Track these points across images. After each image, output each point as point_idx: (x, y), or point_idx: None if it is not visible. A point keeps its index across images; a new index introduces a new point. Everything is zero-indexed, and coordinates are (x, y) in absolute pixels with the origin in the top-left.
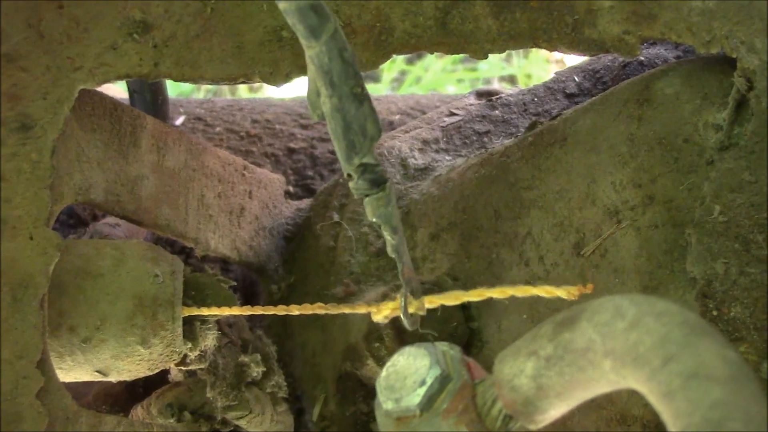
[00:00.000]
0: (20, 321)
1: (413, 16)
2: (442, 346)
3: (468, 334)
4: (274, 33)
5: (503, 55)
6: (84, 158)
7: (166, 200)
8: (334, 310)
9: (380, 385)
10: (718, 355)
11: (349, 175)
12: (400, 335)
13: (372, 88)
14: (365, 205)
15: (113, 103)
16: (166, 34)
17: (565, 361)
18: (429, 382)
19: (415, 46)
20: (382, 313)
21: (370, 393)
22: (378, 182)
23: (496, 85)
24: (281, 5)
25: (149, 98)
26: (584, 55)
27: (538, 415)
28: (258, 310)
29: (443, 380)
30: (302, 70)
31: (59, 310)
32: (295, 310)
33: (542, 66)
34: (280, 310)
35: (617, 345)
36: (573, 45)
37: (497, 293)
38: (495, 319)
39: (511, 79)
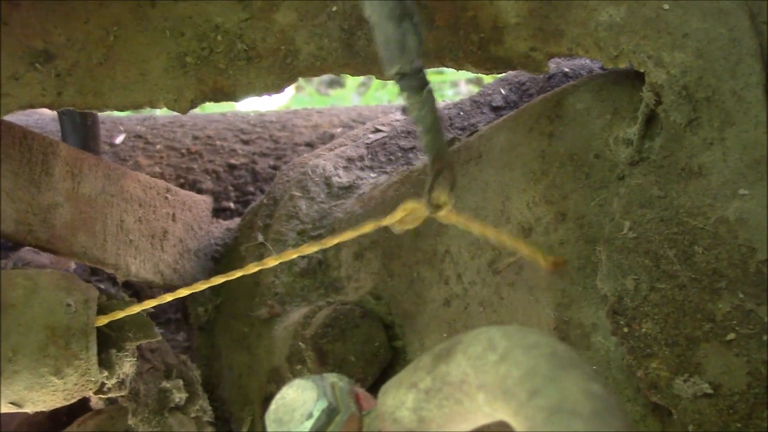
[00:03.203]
0: None
1: (318, 38)
2: (331, 377)
3: (392, 353)
4: (177, 59)
5: None
6: None
7: (83, 227)
8: (329, 242)
9: (269, 418)
10: (582, 390)
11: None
12: (321, 357)
13: (337, 94)
14: (407, 103)
15: (22, 131)
16: (69, 62)
17: (443, 393)
18: (316, 414)
19: (321, 69)
20: (399, 216)
21: None
22: (416, 88)
23: (462, 88)
24: None
25: (78, 119)
26: (492, 74)
27: None
28: (200, 286)
29: (330, 412)
30: (207, 97)
31: None
32: (271, 262)
33: None
34: (250, 269)
35: (488, 378)
36: (480, 63)
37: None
38: (418, 337)
39: (478, 81)
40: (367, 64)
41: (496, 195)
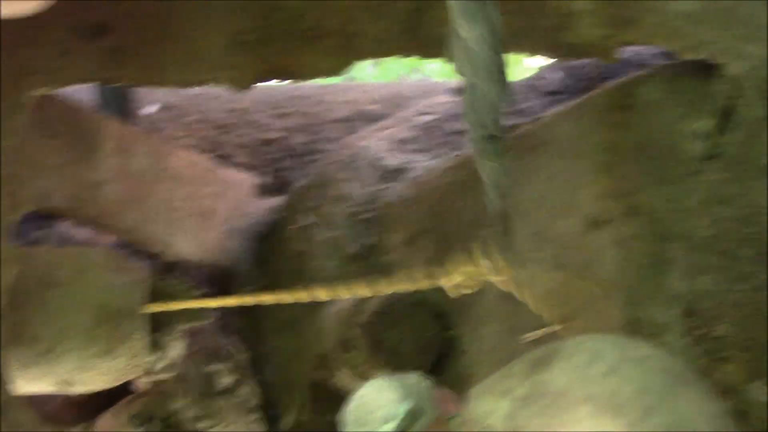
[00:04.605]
0: None
1: (383, 20)
2: (413, 377)
3: (444, 343)
4: (238, 37)
5: None
6: (43, 165)
7: (131, 204)
8: (364, 291)
9: (347, 418)
10: (699, 410)
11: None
12: (373, 345)
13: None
14: (483, 167)
15: (74, 106)
16: (125, 38)
17: (541, 402)
18: (399, 416)
19: (385, 51)
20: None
21: (344, 402)
22: (500, 152)
23: None
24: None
25: (117, 89)
26: (562, 60)
27: None
28: (249, 300)
29: (414, 414)
30: (267, 75)
31: (20, 319)
32: (315, 293)
33: None
34: (285, 298)
35: (595, 391)
36: (549, 49)
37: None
38: (473, 327)
39: None
40: (433, 48)
41: (562, 186)
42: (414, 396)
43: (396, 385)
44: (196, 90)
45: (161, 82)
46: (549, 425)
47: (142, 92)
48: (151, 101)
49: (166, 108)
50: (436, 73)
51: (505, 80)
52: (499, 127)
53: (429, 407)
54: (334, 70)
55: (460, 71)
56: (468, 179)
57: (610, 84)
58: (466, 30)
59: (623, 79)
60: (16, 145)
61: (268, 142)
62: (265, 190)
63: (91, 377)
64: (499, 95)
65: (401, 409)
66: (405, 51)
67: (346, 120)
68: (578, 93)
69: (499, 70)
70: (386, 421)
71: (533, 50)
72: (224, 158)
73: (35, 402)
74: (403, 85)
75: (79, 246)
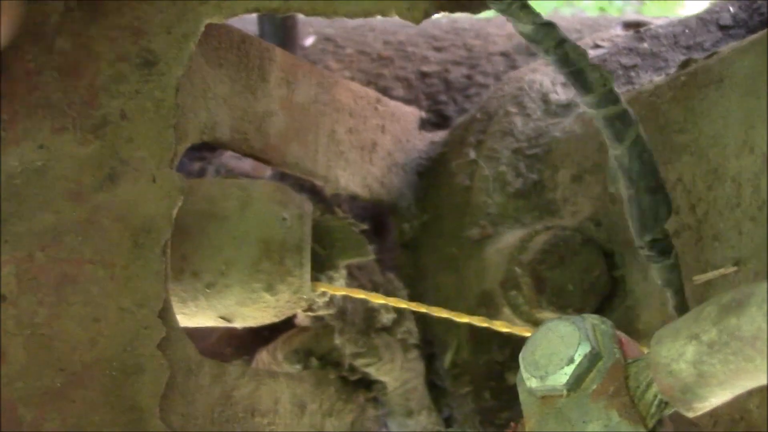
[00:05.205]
0: (142, 268)
1: None
2: (593, 319)
3: (611, 283)
4: None
5: None
6: (210, 95)
7: (296, 137)
8: None
9: (524, 360)
10: None
11: (641, 246)
12: (538, 284)
13: None
14: (653, 270)
15: (240, 35)
16: None
17: (731, 348)
18: (577, 359)
19: None
20: None
21: (505, 341)
22: (665, 252)
23: None
24: (591, 112)
25: (278, 20)
26: None
27: (697, 402)
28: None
29: (593, 358)
30: (441, 7)
31: (182, 253)
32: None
33: None
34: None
35: None
36: None
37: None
38: (640, 268)
39: None
40: None
41: (739, 123)
42: (592, 339)
43: (574, 328)
44: (353, 22)
45: (330, 13)
46: (738, 372)
47: (300, 24)
48: (306, 33)
49: (323, 40)
50: (589, 7)
51: (663, 188)
52: (663, 230)
53: (608, 350)
54: None
55: (618, 187)
56: (640, 115)
57: None
58: (616, 148)
59: None
60: (184, 75)
61: (425, 76)
62: (426, 124)
63: (251, 313)
64: (658, 204)
65: (579, 352)
66: None
67: (505, 54)
68: (753, 28)
69: (653, 179)
70: (564, 364)
71: None
72: (382, 91)
73: (194, 336)
74: (565, 18)
75: (243, 178)
